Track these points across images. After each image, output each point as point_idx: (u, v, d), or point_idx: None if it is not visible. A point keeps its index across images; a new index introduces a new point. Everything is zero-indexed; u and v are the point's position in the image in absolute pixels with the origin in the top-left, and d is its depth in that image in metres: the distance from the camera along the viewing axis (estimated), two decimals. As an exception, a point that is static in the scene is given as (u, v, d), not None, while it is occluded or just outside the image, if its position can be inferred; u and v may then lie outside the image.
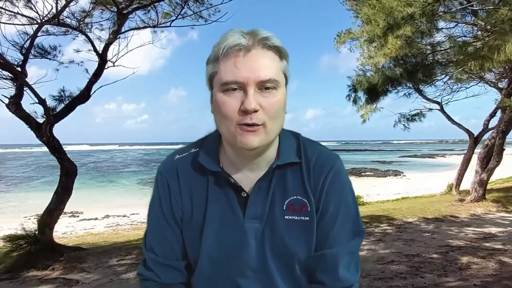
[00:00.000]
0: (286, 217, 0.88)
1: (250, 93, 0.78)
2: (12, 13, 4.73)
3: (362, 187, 17.23)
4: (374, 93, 9.74)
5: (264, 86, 0.79)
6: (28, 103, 5.12)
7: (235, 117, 0.79)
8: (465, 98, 11.34)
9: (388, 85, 9.64)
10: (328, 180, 0.89)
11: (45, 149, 5.40)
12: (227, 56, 0.79)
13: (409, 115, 11.29)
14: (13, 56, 5.09)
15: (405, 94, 10.75)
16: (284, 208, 0.89)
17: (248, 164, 0.88)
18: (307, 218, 0.88)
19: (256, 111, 0.78)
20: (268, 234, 0.88)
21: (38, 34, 5.18)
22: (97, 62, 5.40)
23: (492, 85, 10.24)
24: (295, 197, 0.89)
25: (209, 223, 0.89)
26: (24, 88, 5.02)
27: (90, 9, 5.20)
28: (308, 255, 0.89)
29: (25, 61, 5.12)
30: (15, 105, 5.00)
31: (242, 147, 0.81)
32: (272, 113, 0.80)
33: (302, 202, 0.89)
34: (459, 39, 8.37)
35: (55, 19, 4.70)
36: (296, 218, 0.88)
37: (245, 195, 0.89)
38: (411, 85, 10.30)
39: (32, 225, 5.46)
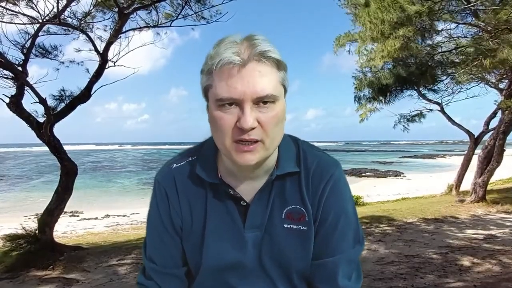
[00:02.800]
0: (285, 225, 0.88)
1: (246, 110, 0.74)
2: (14, 13, 4.74)
3: (362, 187, 17.25)
4: (384, 94, 9.72)
5: (261, 101, 0.76)
6: (28, 102, 5.14)
7: (231, 133, 0.77)
8: (466, 99, 11.36)
9: (400, 85, 9.63)
10: (328, 189, 0.89)
11: (45, 148, 5.40)
12: (221, 72, 0.75)
13: (409, 115, 11.30)
14: (14, 55, 5.10)
15: (411, 92, 10.74)
16: (283, 216, 0.88)
17: (247, 173, 0.87)
18: (305, 228, 0.88)
19: (253, 128, 0.75)
20: (267, 243, 0.88)
21: (39, 34, 5.19)
22: (98, 62, 5.41)
23: (493, 86, 10.24)
24: (294, 206, 0.88)
25: (209, 233, 0.89)
26: (25, 88, 5.02)
27: (91, 9, 5.20)
28: (305, 264, 0.89)
29: (26, 60, 5.12)
30: (15, 105, 5.01)
31: (240, 165, 0.80)
32: (271, 128, 0.77)
33: (301, 212, 0.88)
34: (460, 40, 8.37)
35: (56, 18, 4.70)
36: (295, 227, 0.88)
37: (245, 204, 0.89)
38: (414, 87, 10.30)
39: (32, 225, 5.46)
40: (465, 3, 6.86)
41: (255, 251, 0.88)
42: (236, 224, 0.89)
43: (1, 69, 4.89)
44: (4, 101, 4.97)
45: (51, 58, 5.63)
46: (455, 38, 8.46)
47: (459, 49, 8.17)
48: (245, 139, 0.76)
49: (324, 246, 0.88)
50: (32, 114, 5.16)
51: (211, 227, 0.89)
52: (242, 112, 0.75)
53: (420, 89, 10.39)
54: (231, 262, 0.89)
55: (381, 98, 9.87)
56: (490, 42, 6.31)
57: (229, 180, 0.89)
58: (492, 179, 10.58)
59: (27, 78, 4.95)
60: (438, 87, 10.61)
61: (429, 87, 10.24)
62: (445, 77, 10.18)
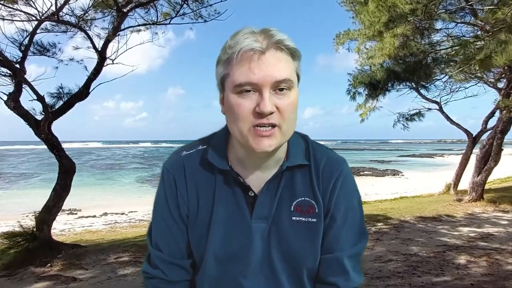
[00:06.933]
0: (293, 218, 0.89)
1: (265, 95, 0.77)
2: (12, 9, 4.72)
3: (360, 186, 16.88)
4: (376, 88, 9.73)
5: (278, 86, 0.78)
6: (26, 100, 5.12)
7: (250, 119, 0.78)
8: (464, 98, 11.36)
9: (390, 82, 9.64)
10: (338, 185, 0.90)
11: (43, 146, 5.39)
12: (240, 59, 0.78)
13: (408, 114, 11.30)
14: (12, 53, 5.09)
15: (409, 90, 10.73)
16: (292, 209, 0.89)
17: (257, 163, 0.88)
18: (314, 220, 0.89)
19: (271, 113, 0.78)
20: (275, 235, 0.89)
21: (37, 31, 5.17)
22: (96, 60, 5.40)
23: (491, 85, 10.25)
24: (303, 198, 0.89)
25: (216, 222, 0.89)
26: (23, 85, 5.01)
27: (89, 7, 5.19)
28: (313, 257, 0.89)
29: (24, 58, 5.11)
30: (13, 102, 4.99)
31: (257, 151, 0.80)
32: (288, 114, 0.80)
33: (310, 204, 0.89)
34: (459, 39, 8.38)
35: (54, 16, 4.69)
36: (304, 219, 0.89)
37: (253, 194, 0.89)
38: (411, 84, 10.32)
39: (30, 222, 5.44)
40: (464, 1, 6.88)
41: (261, 242, 0.89)
42: (243, 213, 0.89)
43: (-1, 67, 4.88)
44: (2, 98, 4.96)
45: (49, 56, 5.63)
46: (452, 38, 8.47)
47: (454, 49, 8.18)
48: (264, 123, 0.78)
49: (333, 241, 0.90)
50: (30, 112, 5.15)
51: (218, 215, 0.89)
52: (261, 97, 0.77)
53: (415, 86, 10.39)
54: (236, 251, 0.89)
55: (371, 93, 9.88)
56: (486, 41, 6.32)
57: (238, 170, 0.90)
58: (490, 178, 10.61)
59: (25, 76, 4.94)
60: (435, 85, 10.64)
61: (423, 83, 10.24)
62: (443, 76, 10.20)
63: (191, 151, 0.94)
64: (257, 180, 0.89)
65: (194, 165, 0.92)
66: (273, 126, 0.79)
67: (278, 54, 0.79)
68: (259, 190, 0.89)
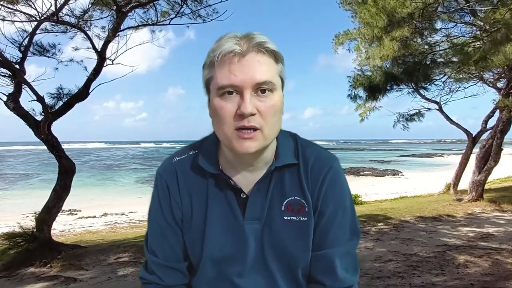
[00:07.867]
0: (285, 217, 0.89)
1: (246, 97, 0.78)
2: (11, 10, 4.72)
3: (360, 186, 17.27)
4: (375, 91, 9.74)
5: (260, 88, 0.79)
6: (26, 100, 5.13)
7: (232, 121, 0.79)
8: (464, 98, 11.37)
9: (389, 84, 9.65)
10: (327, 181, 0.90)
11: (42, 146, 5.39)
12: (222, 62, 0.79)
13: (407, 114, 11.31)
14: (12, 53, 5.09)
15: (408, 92, 10.75)
16: (283, 208, 0.90)
17: (247, 165, 0.89)
18: (305, 219, 0.89)
19: (253, 114, 0.78)
20: (267, 235, 0.89)
21: (37, 32, 5.18)
22: (96, 60, 5.40)
23: (491, 85, 10.26)
24: (293, 197, 0.90)
25: (210, 225, 0.90)
26: (23, 86, 5.01)
27: (89, 7, 5.19)
28: (307, 255, 0.90)
29: (23, 58, 5.11)
30: (13, 103, 4.99)
31: (240, 152, 0.81)
32: (269, 117, 0.80)
33: (300, 203, 0.89)
34: (457, 39, 8.39)
35: (54, 16, 4.69)
36: (295, 218, 0.89)
37: (244, 196, 0.90)
38: (410, 85, 10.33)
39: (30, 223, 5.45)
40: (464, 2, 6.88)
41: (255, 243, 0.89)
42: (236, 215, 0.90)
43: (-1, 67, 4.88)
44: (1, 99, 4.96)
45: (48, 57, 5.63)
46: (451, 38, 8.47)
47: (453, 49, 8.19)
48: (245, 126, 0.79)
49: (323, 238, 0.90)
50: (30, 112, 5.15)
51: (211, 218, 0.90)
52: (242, 99, 0.78)
53: (415, 87, 10.39)
54: (231, 253, 0.90)
55: (370, 95, 9.89)
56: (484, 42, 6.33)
57: (229, 172, 0.90)
58: (490, 178, 10.62)
59: (25, 76, 4.94)
60: (435, 84, 10.65)
61: (422, 85, 10.25)
62: (442, 76, 10.21)
63: (183, 157, 0.95)
64: (248, 181, 0.90)
65: (186, 170, 0.93)
66: (255, 129, 0.79)
67: (259, 57, 0.80)
68: (250, 192, 0.90)
